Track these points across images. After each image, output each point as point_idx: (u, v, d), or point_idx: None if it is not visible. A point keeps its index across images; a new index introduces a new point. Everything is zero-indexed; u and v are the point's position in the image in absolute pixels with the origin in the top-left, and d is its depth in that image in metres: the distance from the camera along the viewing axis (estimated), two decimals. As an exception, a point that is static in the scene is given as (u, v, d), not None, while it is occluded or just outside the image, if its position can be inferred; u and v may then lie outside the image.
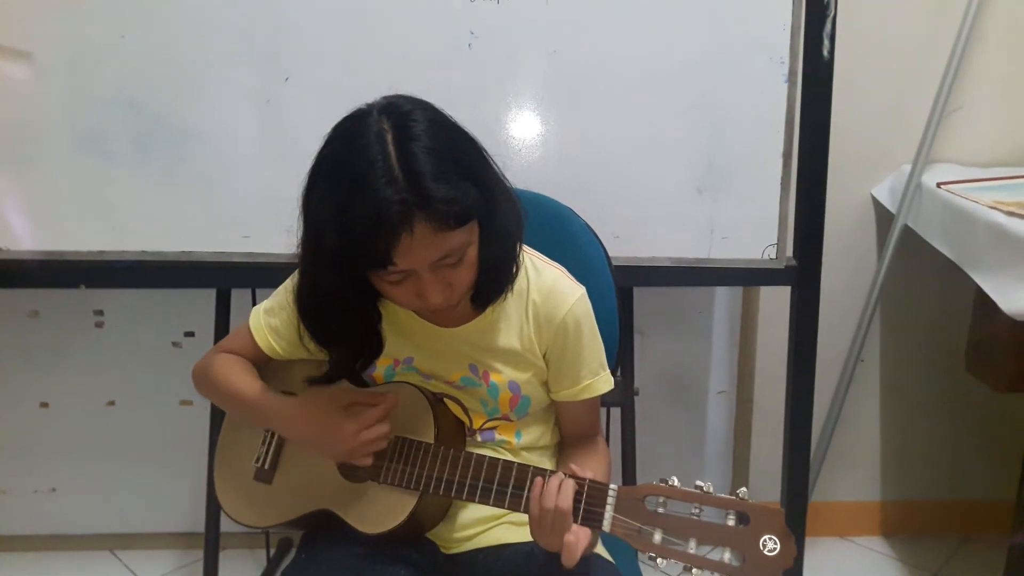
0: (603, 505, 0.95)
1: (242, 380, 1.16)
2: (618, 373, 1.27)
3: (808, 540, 1.79)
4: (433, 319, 1.13)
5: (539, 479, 0.99)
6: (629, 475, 1.58)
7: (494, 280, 1.07)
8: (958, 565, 2.00)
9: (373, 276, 1.00)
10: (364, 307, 1.09)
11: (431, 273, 0.97)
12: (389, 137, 0.93)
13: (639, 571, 1.25)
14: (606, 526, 0.95)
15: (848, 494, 2.08)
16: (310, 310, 1.09)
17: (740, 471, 2.06)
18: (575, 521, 0.96)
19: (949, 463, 2.05)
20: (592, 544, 0.98)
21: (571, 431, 1.22)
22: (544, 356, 1.14)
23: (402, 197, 0.90)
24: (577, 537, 0.94)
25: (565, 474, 0.98)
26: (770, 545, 0.88)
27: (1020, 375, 1.55)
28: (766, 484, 1.81)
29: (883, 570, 2.00)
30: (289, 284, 1.15)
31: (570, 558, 0.93)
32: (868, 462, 2.07)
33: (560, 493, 0.96)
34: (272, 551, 2.01)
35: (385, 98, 0.99)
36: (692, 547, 0.90)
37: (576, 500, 0.96)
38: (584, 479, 0.97)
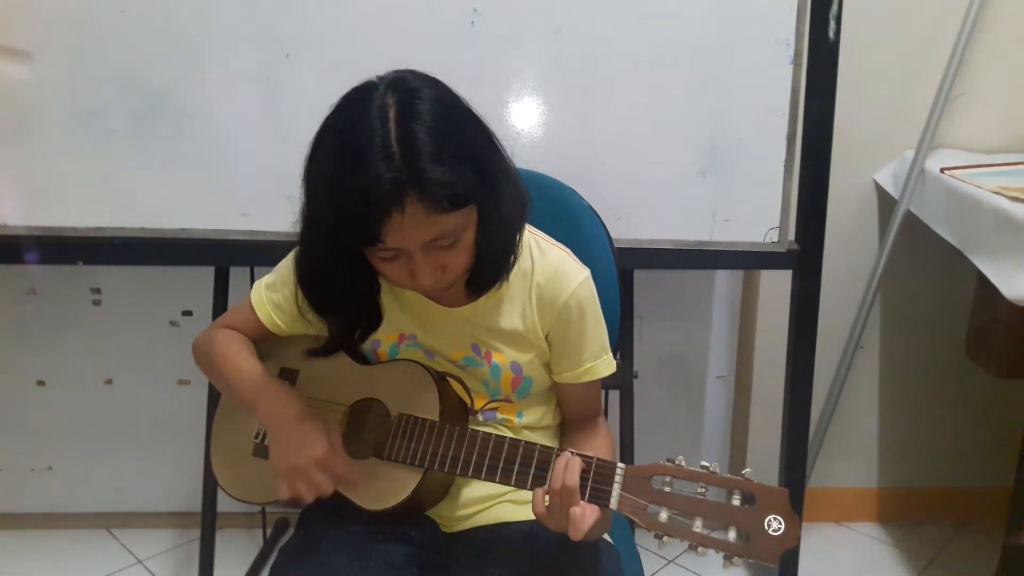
0: (610, 483, 0.95)
1: (243, 358, 1.15)
2: (617, 356, 1.26)
3: (805, 525, 1.79)
4: (435, 298, 1.12)
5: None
6: (627, 458, 1.58)
7: (490, 267, 1.06)
8: (954, 552, 2.01)
9: (367, 252, 0.99)
10: (361, 278, 1.08)
11: (423, 254, 0.97)
12: (392, 113, 0.92)
13: (636, 551, 1.25)
14: (613, 504, 0.95)
15: (845, 480, 2.08)
16: (307, 279, 1.09)
17: (738, 456, 2.06)
18: (582, 499, 0.95)
19: (947, 450, 2.06)
20: (603, 525, 0.98)
21: (572, 412, 1.22)
22: (547, 338, 1.14)
23: (395, 175, 0.89)
24: (584, 510, 0.94)
25: (572, 452, 0.98)
26: (775, 525, 0.88)
27: (1020, 361, 1.56)
28: (763, 469, 1.78)
29: (879, 556, 2.01)
30: (290, 259, 1.14)
31: (576, 531, 0.93)
32: (866, 448, 2.07)
33: (567, 471, 0.95)
34: (269, 530, 2.01)
35: (395, 72, 0.98)
36: (698, 526, 0.90)
37: (583, 478, 0.96)
38: (591, 457, 0.97)
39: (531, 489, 0.99)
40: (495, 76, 1.51)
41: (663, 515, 0.91)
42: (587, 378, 1.16)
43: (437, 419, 1.07)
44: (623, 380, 1.56)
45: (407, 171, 0.90)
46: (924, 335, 1.98)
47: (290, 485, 1.05)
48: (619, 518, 0.98)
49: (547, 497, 0.97)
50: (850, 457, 2.07)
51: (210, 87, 1.52)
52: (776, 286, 1.83)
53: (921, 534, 2.07)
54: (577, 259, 1.16)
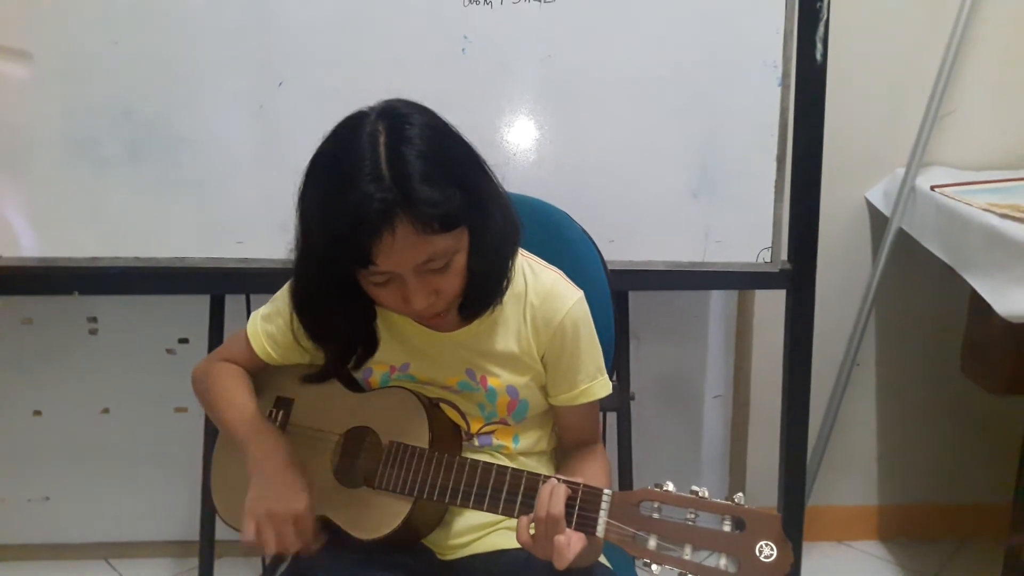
0: (597, 510, 0.94)
1: (236, 395, 1.16)
2: (614, 378, 1.26)
3: (805, 544, 1.79)
4: (428, 324, 1.12)
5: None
6: (626, 480, 1.58)
7: (482, 292, 1.06)
8: (955, 569, 2.00)
9: (359, 276, 1.00)
10: (356, 304, 1.08)
11: (416, 277, 0.97)
12: (382, 138, 0.93)
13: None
14: (600, 531, 0.94)
15: (845, 498, 2.08)
16: (303, 306, 1.09)
17: (737, 475, 2.06)
18: (568, 526, 0.95)
19: (945, 466, 2.05)
20: (592, 552, 0.97)
21: (570, 437, 1.22)
22: (542, 359, 1.14)
23: (384, 195, 0.90)
24: (569, 539, 0.93)
25: (558, 479, 0.98)
26: (766, 551, 0.86)
27: (1015, 377, 1.55)
28: (763, 488, 1.80)
29: (880, 574, 2.00)
30: (286, 290, 1.15)
31: (561, 560, 0.92)
32: (865, 466, 2.07)
33: (552, 499, 0.95)
34: (267, 559, 1.99)
35: (385, 101, 1.00)
36: (687, 553, 0.89)
37: (569, 505, 0.95)
38: (578, 484, 0.96)
39: (517, 517, 0.99)
40: (487, 102, 1.52)
41: (652, 542, 0.90)
42: (583, 399, 1.16)
43: (427, 447, 1.06)
44: (620, 402, 1.55)
45: (396, 191, 0.91)
46: (919, 352, 1.98)
47: (259, 530, 1.04)
48: (620, 542, 0.97)
49: (533, 525, 0.96)
50: (849, 475, 2.06)
51: (203, 115, 1.53)
52: (771, 305, 1.84)
53: (922, 551, 2.06)
54: (570, 280, 1.16)
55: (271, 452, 1.10)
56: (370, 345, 1.14)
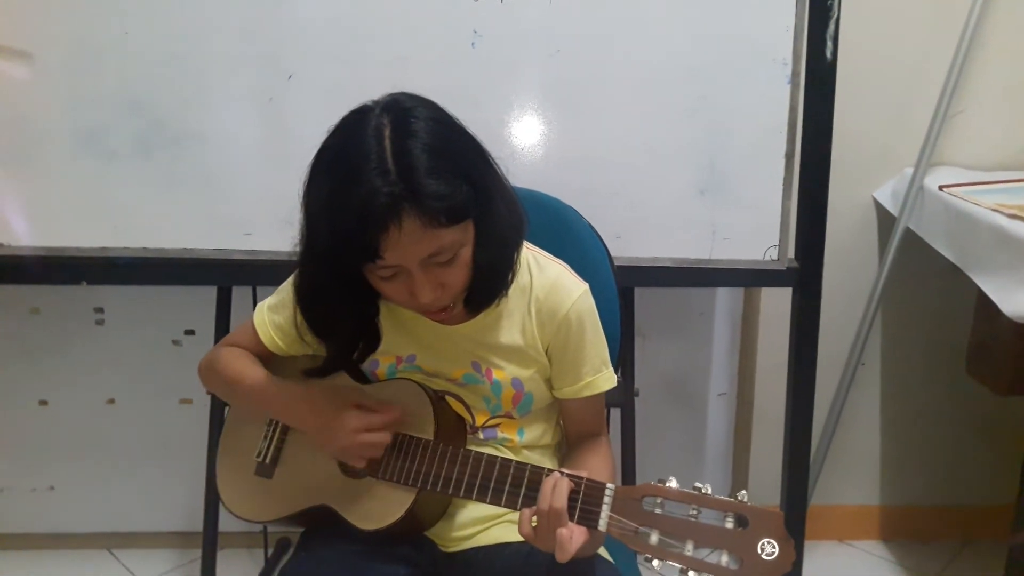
0: (599, 504, 0.95)
1: (247, 369, 1.17)
2: (619, 374, 1.26)
3: (807, 544, 1.79)
4: (434, 318, 1.12)
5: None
6: (629, 477, 1.58)
7: (488, 285, 1.07)
8: (958, 570, 2.00)
9: (366, 271, 1.00)
10: (359, 300, 1.09)
11: (422, 271, 0.98)
12: (387, 132, 0.94)
13: (639, 572, 1.24)
14: (602, 525, 0.94)
15: (848, 497, 2.08)
16: (307, 301, 1.10)
17: (740, 473, 2.06)
18: (571, 520, 0.95)
19: (949, 467, 2.05)
20: (593, 544, 0.97)
21: (575, 430, 1.22)
22: (547, 352, 1.14)
23: (391, 189, 0.91)
24: (572, 532, 0.93)
25: (562, 473, 0.98)
26: (768, 548, 0.86)
27: (1021, 378, 1.55)
28: (766, 487, 1.80)
29: (882, 574, 2.00)
30: (292, 281, 1.15)
31: (563, 553, 0.93)
32: (868, 465, 2.06)
33: (554, 493, 0.95)
34: (270, 550, 2.00)
35: (390, 95, 1.00)
36: (689, 549, 0.89)
37: (572, 499, 0.95)
38: (581, 478, 0.97)
39: (520, 510, 0.99)
40: (496, 97, 1.52)
41: (653, 538, 0.90)
42: (587, 392, 1.16)
43: (432, 438, 1.07)
44: (624, 398, 1.56)
45: (403, 185, 0.91)
46: (925, 352, 1.97)
47: (351, 462, 1.09)
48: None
49: (536, 518, 0.97)
50: (852, 474, 2.06)
51: (212, 108, 1.54)
52: (777, 303, 1.83)
53: (924, 552, 2.06)
54: (575, 273, 1.16)
55: (298, 403, 1.12)
56: (372, 340, 1.14)
